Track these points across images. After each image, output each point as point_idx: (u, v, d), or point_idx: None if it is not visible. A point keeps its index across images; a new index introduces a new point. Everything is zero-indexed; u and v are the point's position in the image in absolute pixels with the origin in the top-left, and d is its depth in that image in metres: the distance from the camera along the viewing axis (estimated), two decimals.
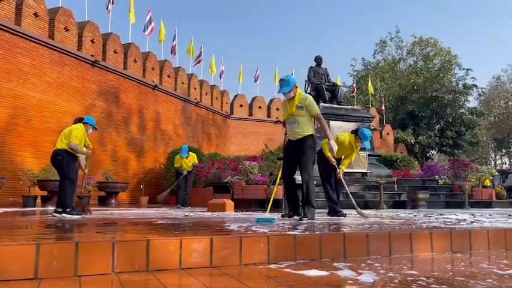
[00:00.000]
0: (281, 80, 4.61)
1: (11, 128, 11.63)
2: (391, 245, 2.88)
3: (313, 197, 4.56)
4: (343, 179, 5.91)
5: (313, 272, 2.19)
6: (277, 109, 24.15)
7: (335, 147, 4.70)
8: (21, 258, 2.03)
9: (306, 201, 4.57)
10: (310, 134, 4.66)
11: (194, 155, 11.25)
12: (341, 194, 6.30)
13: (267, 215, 3.81)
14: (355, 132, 5.87)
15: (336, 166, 5.80)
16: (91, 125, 6.22)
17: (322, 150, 5.95)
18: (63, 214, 5.63)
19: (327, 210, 6.01)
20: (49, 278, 2.03)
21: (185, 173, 10.74)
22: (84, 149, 6.05)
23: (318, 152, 6.03)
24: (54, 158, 5.90)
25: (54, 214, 5.68)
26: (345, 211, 6.02)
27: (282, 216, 4.75)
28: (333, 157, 5.75)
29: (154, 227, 3.62)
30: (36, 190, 10.98)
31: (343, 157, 5.97)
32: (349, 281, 2.01)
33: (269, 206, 4.21)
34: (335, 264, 2.48)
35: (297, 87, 4.69)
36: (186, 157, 10.86)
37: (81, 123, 6.12)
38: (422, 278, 2.07)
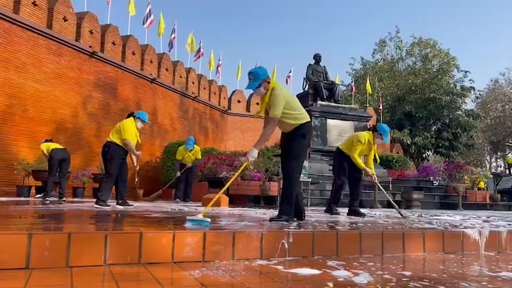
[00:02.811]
0: (248, 74, 3.75)
1: (6, 118, 11.56)
2: (383, 244, 2.89)
3: (293, 193, 3.78)
4: (378, 183, 5.90)
5: (306, 271, 2.18)
6: None
7: (253, 155, 3.73)
8: (13, 248, 2.03)
9: (282, 197, 3.85)
10: (301, 123, 3.86)
11: (199, 149, 10.53)
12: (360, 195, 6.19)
13: (200, 216, 3.01)
14: (372, 128, 5.74)
15: (370, 174, 5.64)
16: (138, 118, 6.29)
17: (340, 148, 5.84)
18: (94, 205, 5.88)
19: (325, 208, 6.01)
20: (40, 268, 2.03)
21: (189, 165, 10.14)
22: (138, 151, 6.28)
23: (336, 149, 5.95)
24: (103, 149, 6.11)
25: (118, 206, 6.03)
26: (339, 209, 6.04)
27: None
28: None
29: (147, 220, 3.62)
30: (30, 180, 10.95)
31: (362, 158, 5.88)
32: (343, 281, 2.01)
33: (210, 204, 3.55)
34: (328, 262, 2.49)
35: (269, 82, 3.77)
36: (191, 150, 10.19)
37: (132, 118, 6.26)
38: (418, 280, 2.07)
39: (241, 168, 3.99)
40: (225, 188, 3.76)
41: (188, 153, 10.17)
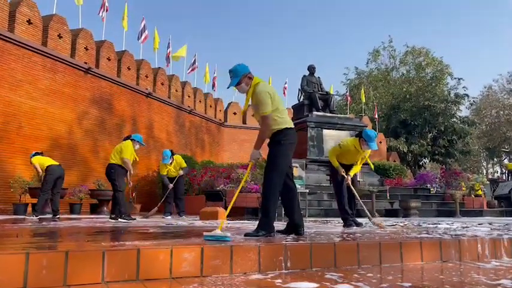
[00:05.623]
0: (229, 72, 3.67)
1: (1, 135, 11.54)
2: (381, 254, 2.89)
3: (270, 206, 3.56)
4: (351, 186, 5.56)
5: (305, 285, 2.16)
6: None
7: (255, 157, 3.69)
8: (10, 268, 2.01)
9: (261, 211, 3.68)
10: (279, 128, 3.63)
11: (179, 157, 9.67)
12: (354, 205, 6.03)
13: (219, 231, 2.96)
14: (359, 135, 5.50)
15: (345, 175, 5.46)
16: (137, 141, 7.39)
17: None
18: (119, 219, 6.83)
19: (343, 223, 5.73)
20: (38, 287, 2.02)
21: (181, 172, 9.49)
22: (131, 167, 7.26)
23: (329, 162, 5.90)
24: (109, 171, 7.11)
25: (110, 220, 6.86)
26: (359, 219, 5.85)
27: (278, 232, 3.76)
28: (345, 164, 5.57)
29: (145, 235, 3.61)
30: (27, 198, 10.88)
31: (354, 163, 5.75)
32: None
33: (223, 219, 3.43)
34: (327, 274, 2.48)
35: (251, 77, 3.63)
36: (170, 163, 9.42)
37: (130, 140, 7.26)
38: None
39: (247, 172, 4.15)
40: (235, 197, 3.73)
41: (169, 167, 9.49)
